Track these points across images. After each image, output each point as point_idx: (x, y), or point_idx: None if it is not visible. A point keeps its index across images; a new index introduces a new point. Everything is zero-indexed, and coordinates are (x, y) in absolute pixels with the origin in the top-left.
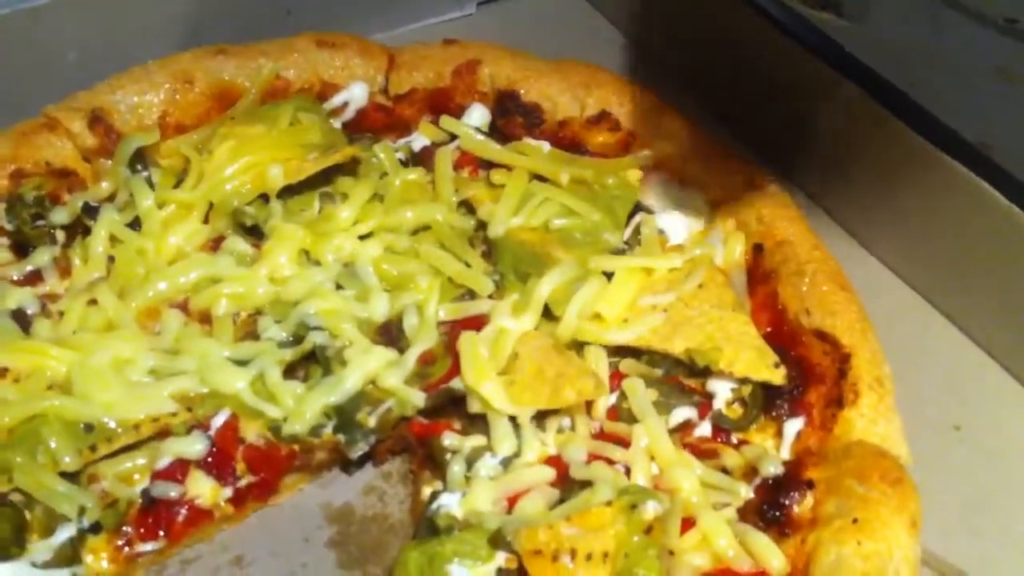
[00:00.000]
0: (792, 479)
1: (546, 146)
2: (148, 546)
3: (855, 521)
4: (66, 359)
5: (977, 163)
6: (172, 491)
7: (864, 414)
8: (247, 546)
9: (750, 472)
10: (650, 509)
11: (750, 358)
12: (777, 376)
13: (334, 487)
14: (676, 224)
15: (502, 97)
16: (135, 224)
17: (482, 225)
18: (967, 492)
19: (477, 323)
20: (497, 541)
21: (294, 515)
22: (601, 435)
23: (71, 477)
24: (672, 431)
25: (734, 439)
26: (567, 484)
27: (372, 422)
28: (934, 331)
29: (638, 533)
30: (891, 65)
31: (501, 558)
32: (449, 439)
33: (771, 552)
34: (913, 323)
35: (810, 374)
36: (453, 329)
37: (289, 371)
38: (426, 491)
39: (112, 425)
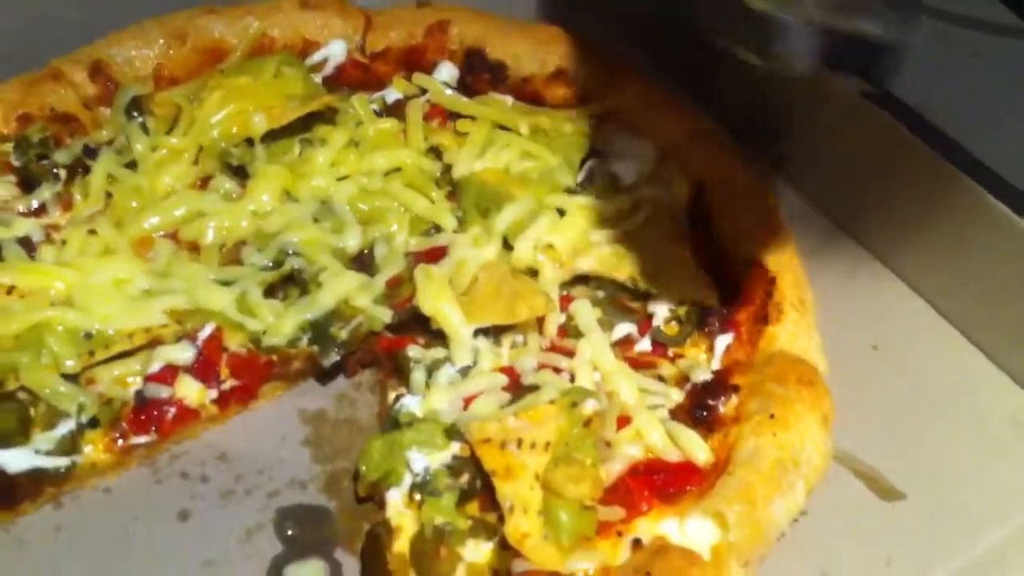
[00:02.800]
0: (719, 384)
1: (509, 100)
2: (141, 439)
3: (772, 416)
4: (68, 278)
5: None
6: (162, 392)
7: (787, 329)
8: (230, 444)
9: (683, 380)
10: (589, 406)
11: (686, 282)
12: (710, 298)
13: (310, 395)
14: (627, 167)
15: (470, 55)
16: (131, 165)
17: (448, 169)
18: (883, 403)
19: (441, 253)
20: (452, 433)
21: (273, 418)
22: (551, 349)
23: (71, 379)
24: (614, 345)
25: (670, 353)
26: (518, 390)
27: (344, 335)
28: (861, 266)
29: (577, 426)
30: None
31: (455, 447)
32: (413, 351)
33: (697, 445)
34: (838, 256)
35: (740, 296)
36: (419, 258)
37: (269, 292)
38: (392, 396)
39: (110, 333)
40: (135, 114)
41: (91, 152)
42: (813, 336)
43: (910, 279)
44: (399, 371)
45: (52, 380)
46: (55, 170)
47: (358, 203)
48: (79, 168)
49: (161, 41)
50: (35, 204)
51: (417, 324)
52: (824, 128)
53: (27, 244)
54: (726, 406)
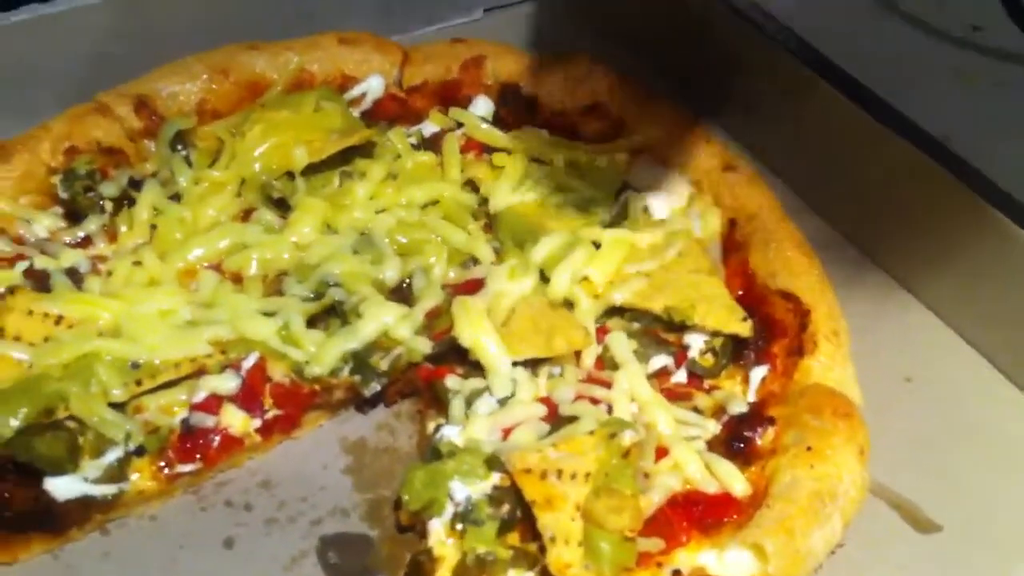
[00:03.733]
0: (756, 416)
1: (544, 133)
2: (186, 468)
3: (809, 448)
4: (114, 309)
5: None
6: (208, 421)
7: (821, 362)
8: (273, 472)
9: (719, 411)
10: (627, 437)
11: (721, 314)
12: (744, 329)
13: (350, 424)
14: (659, 201)
15: (504, 89)
16: (175, 197)
17: (484, 201)
18: (916, 434)
19: (478, 285)
20: (492, 463)
21: (314, 446)
22: (587, 380)
23: (119, 407)
24: (650, 377)
25: (706, 385)
26: (556, 420)
27: (384, 365)
28: (890, 296)
29: (616, 457)
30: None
31: (496, 477)
32: (452, 381)
33: (735, 477)
34: (869, 287)
35: (775, 328)
36: (456, 290)
37: (311, 322)
38: (431, 426)
39: (156, 363)
40: (179, 147)
41: (136, 184)
42: (848, 368)
43: (940, 310)
44: (438, 401)
45: (100, 409)
46: (101, 202)
47: (396, 235)
48: (124, 200)
49: (204, 76)
50: (81, 235)
51: (455, 355)
52: (852, 160)
53: (74, 275)
54: (763, 438)
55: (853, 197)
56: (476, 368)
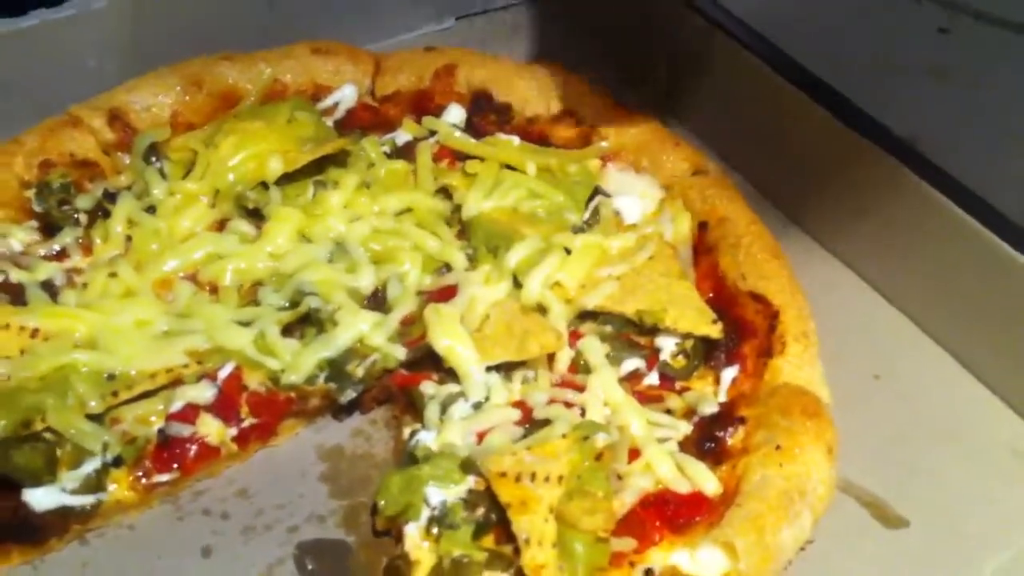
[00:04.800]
0: (726, 416)
1: (516, 140)
2: (164, 477)
3: (778, 448)
4: (90, 320)
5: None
6: (184, 431)
7: (790, 362)
8: (250, 480)
9: (690, 412)
10: (600, 439)
11: (692, 316)
12: (715, 331)
13: (326, 431)
14: (630, 205)
15: (477, 97)
16: (150, 209)
17: (458, 208)
18: (885, 431)
19: (452, 292)
20: (467, 466)
21: (291, 454)
22: (561, 384)
23: (96, 418)
24: (623, 379)
25: (677, 386)
26: (530, 423)
27: (360, 373)
28: (858, 296)
29: (589, 459)
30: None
31: (471, 481)
32: (427, 387)
33: (706, 477)
34: (840, 290)
35: (745, 330)
36: (431, 296)
37: (286, 331)
38: (406, 432)
39: (132, 374)
40: (153, 159)
41: (111, 197)
42: (816, 367)
43: (910, 311)
44: (413, 407)
45: (77, 420)
46: (76, 215)
47: (371, 243)
48: (99, 213)
49: (178, 88)
50: (56, 248)
51: (430, 361)
52: (823, 165)
53: (49, 288)
54: (733, 438)
55: (823, 200)
56: (450, 374)
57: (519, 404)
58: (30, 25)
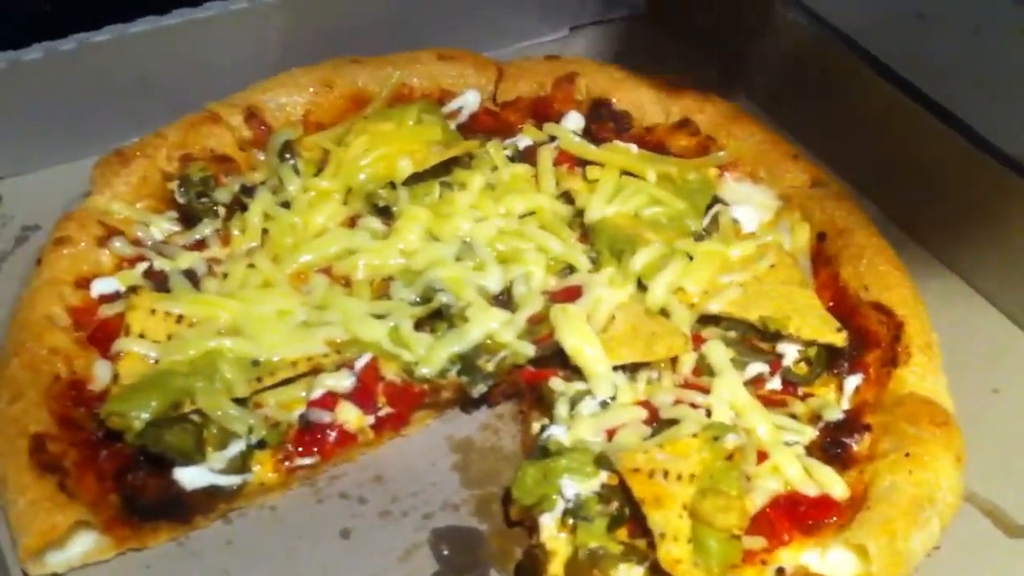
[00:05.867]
0: (852, 422)
1: (634, 148)
2: (305, 461)
3: (907, 455)
4: (233, 309)
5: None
6: (324, 417)
7: (915, 372)
8: (384, 467)
9: (815, 418)
10: (730, 440)
11: (815, 324)
12: (839, 339)
13: (456, 423)
14: (748, 214)
15: (596, 105)
16: (284, 204)
17: (579, 213)
18: (1005, 444)
19: (576, 293)
20: (601, 461)
21: (423, 444)
22: (684, 385)
23: (240, 402)
24: (746, 384)
25: (800, 392)
26: (657, 423)
27: (490, 367)
28: (976, 310)
29: (720, 460)
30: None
31: (603, 476)
32: (556, 384)
33: (834, 481)
34: (957, 304)
35: (867, 339)
36: (555, 297)
37: (418, 325)
38: (535, 426)
39: (275, 360)
40: (287, 156)
41: (248, 191)
42: (941, 378)
43: None
44: (541, 402)
45: (224, 404)
46: (215, 207)
47: (496, 243)
48: (236, 206)
49: (311, 88)
50: (195, 239)
51: (556, 358)
52: (939, 177)
53: (191, 276)
54: (859, 444)
55: (937, 209)
56: (576, 371)
57: (644, 403)
58: (173, 24)
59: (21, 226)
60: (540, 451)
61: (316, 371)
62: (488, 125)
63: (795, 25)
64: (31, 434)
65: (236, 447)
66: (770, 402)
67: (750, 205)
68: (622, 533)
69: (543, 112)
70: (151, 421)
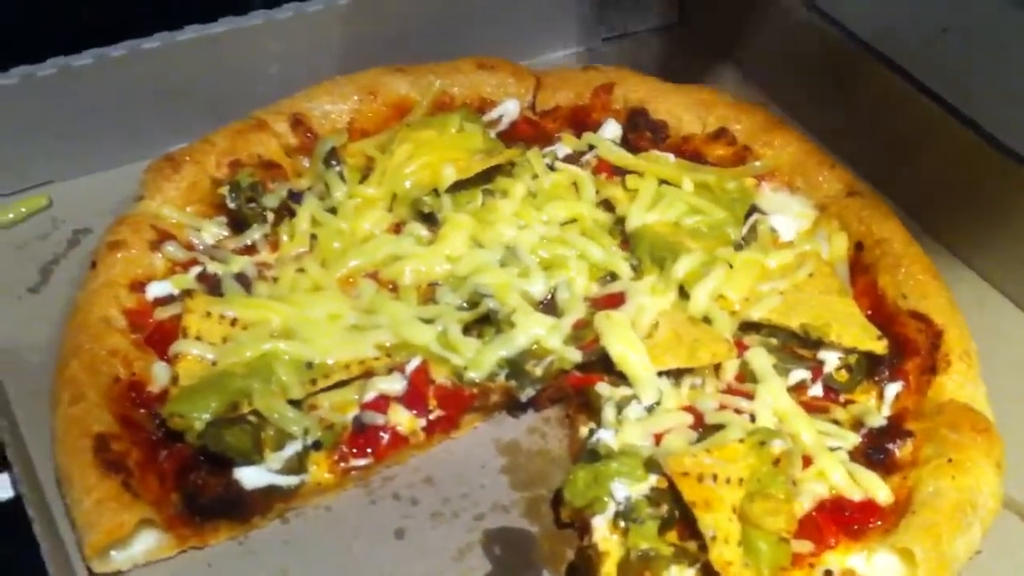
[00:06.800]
0: (894, 429)
1: (671, 157)
2: (359, 462)
3: (950, 461)
4: (285, 312)
5: None
6: (378, 419)
7: (955, 379)
8: (435, 469)
9: (856, 425)
10: (777, 445)
11: (856, 332)
12: (879, 347)
13: (503, 427)
14: (786, 223)
15: (633, 114)
16: (330, 210)
17: (619, 220)
18: None
19: (618, 300)
20: (650, 465)
21: (471, 447)
22: (727, 391)
23: (296, 404)
24: (789, 390)
25: (842, 399)
26: (703, 428)
27: (538, 372)
28: (1011, 319)
29: (767, 464)
30: None
31: (652, 479)
32: (603, 389)
33: (878, 486)
34: (992, 313)
35: (907, 347)
36: (597, 304)
37: (465, 330)
38: (583, 430)
39: (330, 363)
40: (333, 163)
41: (295, 197)
42: (980, 386)
43: None
44: (587, 406)
45: (280, 405)
46: (264, 213)
47: (539, 250)
48: (284, 212)
49: (355, 96)
50: (245, 243)
51: (601, 363)
52: (971, 186)
53: (243, 280)
54: (902, 450)
55: (972, 219)
56: (621, 376)
57: (688, 409)
58: (219, 31)
59: (73, 229)
60: (589, 454)
61: (368, 374)
62: (527, 134)
63: (822, 33)
64: (94, 434)
65: (292, 448)
66: (812, 408)
67: (788, 214)
68: (672, 535)
69: (581, 121)
70: (210, 422)
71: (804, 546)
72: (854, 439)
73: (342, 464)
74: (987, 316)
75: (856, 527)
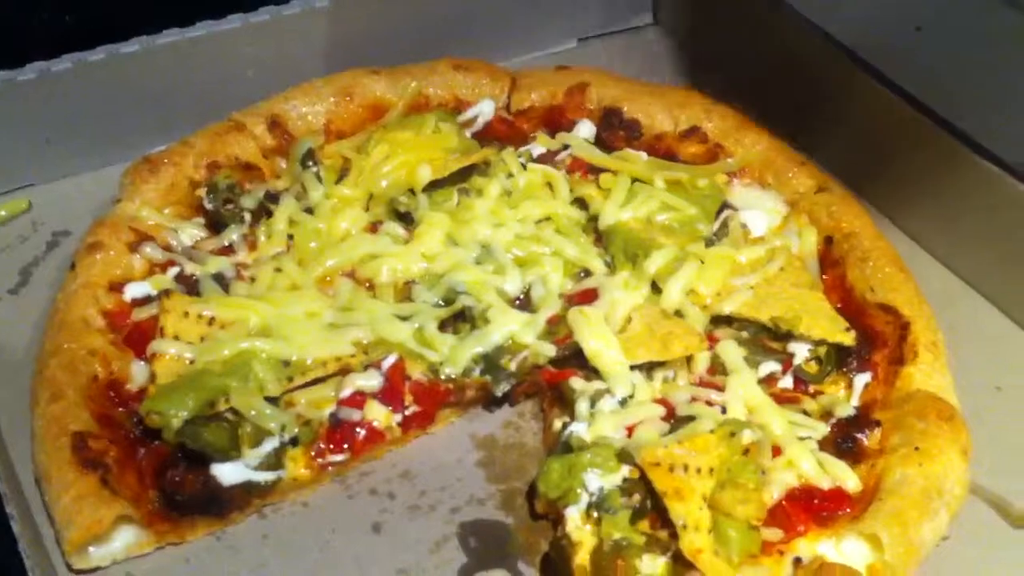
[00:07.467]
0: (863, 418)
1: (644, 156)
2: (336, 458)
3: (917, 449)
4: (263, 311)
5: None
6: (354, 415)
7: (922, 370)
8: (411, 463)
9: (826, 415)
10: (747, 436)
11: (825, 325)
12: (848, 338)
13: (479, 421)
14: (757, 219)
15: (607, 114)
16: (308, 211)
17: (593, 218)
18: (1008, 439)
19: (592, 295)
20: (623, 456)
21: (447, 442)
22: (699, 384)
23: (273, 401)
24: (759, 381)
25: (811, 390)
26: (674, 420)
27: (513, 367)
28: (978, 310)
29: (737, 454)
30: None
31: (625, 470)
32: (576, 383)
33: (847, 474)
34: (959, 305)
35: (875, 339)
36: (572, 300)
37: (441, 327)
38: (557, 423)
39: (307, 361)
40: (310, 164)
41: (273, 198)
42: (946, 376)
43: None
44: (561, 400)
45: (257, 403)
46: (241, 213)
47: (514, 248)
48: (262, 212)
49: (331, 98)
50: (223, 244)
51: (575, 358)
52: (943, 185)
53: (220, 280)
54: (870, 439)
55: (941, 214)
56: (595, 371)
57: (661, 401)
58: (197, 35)
59: (52, 232)
60: (563, 447)
61: (345, 371)
62: (502, 133)
63: (795, 32)
64: (72, 432)
65: (270, 444)
66: (782, 399)
67: (759, 210)
68: (645, 525)
69: (556, 121)
70: (188, 419)
71: (774, 534)
72: (823, 429)
73: (319, 460)
74: (954, 308)
75: (825, 515)
